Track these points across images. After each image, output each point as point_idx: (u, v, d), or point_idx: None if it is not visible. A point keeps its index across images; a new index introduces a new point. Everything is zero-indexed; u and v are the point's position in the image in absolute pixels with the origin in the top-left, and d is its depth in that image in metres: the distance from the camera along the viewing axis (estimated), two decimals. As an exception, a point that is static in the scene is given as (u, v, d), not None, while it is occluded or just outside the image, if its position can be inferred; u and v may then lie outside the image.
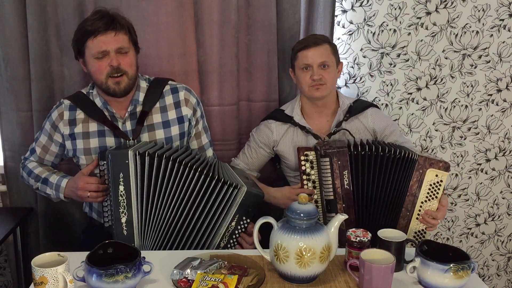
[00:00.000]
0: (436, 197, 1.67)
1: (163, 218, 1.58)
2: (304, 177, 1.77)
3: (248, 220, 1.62)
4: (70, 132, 1.76)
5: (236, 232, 1.62)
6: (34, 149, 1.84)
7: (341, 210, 1.69)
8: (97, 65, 1.65)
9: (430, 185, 1.66)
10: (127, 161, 1.52)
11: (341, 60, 1.98)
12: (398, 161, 1.68)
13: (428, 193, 1.66)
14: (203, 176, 1.57)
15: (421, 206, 1.67)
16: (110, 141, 1.75)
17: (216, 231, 1.61)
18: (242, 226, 1.62)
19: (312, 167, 1.76)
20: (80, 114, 1.76)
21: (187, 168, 1.56)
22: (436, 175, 1.65)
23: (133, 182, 1.53)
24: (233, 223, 1.60)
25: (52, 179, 1.76)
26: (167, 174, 1.56)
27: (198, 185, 1.57)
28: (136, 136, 1.75)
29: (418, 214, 1.68)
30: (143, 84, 1.80)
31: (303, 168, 1.77)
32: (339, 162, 1.68)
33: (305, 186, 1.77)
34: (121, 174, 1.52)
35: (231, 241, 1.63)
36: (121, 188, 1.53)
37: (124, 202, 1.54)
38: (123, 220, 1.55)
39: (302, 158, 1.77)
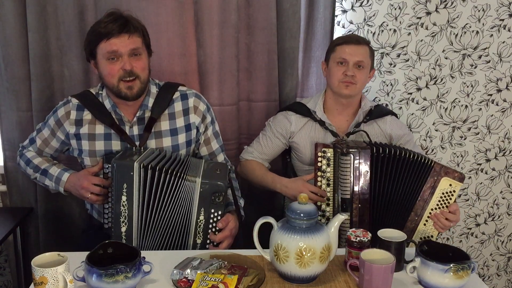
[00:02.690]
0: (447, 206, 1.65)
1: (158, 225, 1.58)
2: (319, 173, 1.74)
3: (220, 212, 1.59)
4: (76, 132, 1.75)
5: (210, 226, 1.59)
6: (34, 140, 1.83)
7: (356, 210, 1.67)
8: (109, 68, 1.63)
9: (443, 193, 1.65)
10: (132, 173, 1.51)
11: (374, 67, 1.97)
12: (413, 164, 1.68)
13: (439, 201, 1.65)
14: (178, 179, 1.55)
15: (430, 213, 1.66)
16: (116, 145, 1.74)
17: (189, 228, 1.59)
18: (215, 219, 1.59)
19: (328, 165, 1.73)
20: (87, 115, 1.75)
21: (177, 178, 1.55)
22: (450, 185, 1.64)
23: (135, 193, 1.52)
24: (201, 217, 1.57)
25: (53, 171, 1.75)
26: (165, 186, 1.55)
27: (177, 189, 1.55)
28: (143, 143, 1.73)
29: (426, 221, 1.67)
30: (153, 89, 1.78)
31: (319, 164, 1.74)
32: (361, 161, 1.67)
33: (319, 183, 1.74)
34: (125, 185, 1.51)
35: (208, 236, 1.60)
36: (124, 198, 1.52)
37: (126, 213, 1.53)
38: (123, 229, 1.54)
39: (320, 154, 1.74)
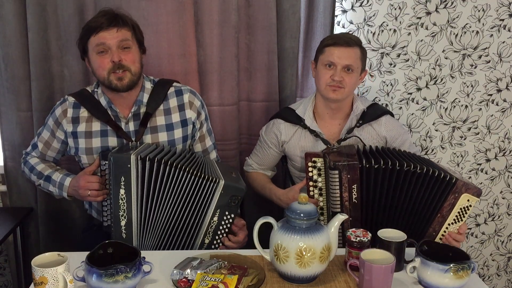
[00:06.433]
0: (462, 220, 1.61)
1: (159, 220, 1.58)
2: (311, 183, 1.70)
3: (232, 216, 1.60)
4: (73, 130, 1.76)
5: (221, 228, 1.60)
6: (36, 144, 1.84)
7: (347, 224, 1.61)
8: (99, 61, 1.65)
9: (460, 209, 1.60)
10: (129, 165, 1.51)
11: (366, 68, 1.89)
12: (426, 178, 1.60)
13: (456, 216, 1.61)
14: (189, 175, 1.56)
15: (446, 228, 1.61)
16: (113, 141, 1.75)
17: (200, 228, 1.60)
18: (226, 222, 1.60)
19: (319, 174, 1.69)
20: (84, 112, 1.76)
21: (185, 173, 1.56)
22: (468, 200, 1.59)
23: (134, 186, 1.53)
24: (215, 218, 1.59)
25: (55, 177, 1.76)
26: (164, 178, 1.55)
27: (185, 185, 1.57)
28: (139, 138, 1.74)
29: (442, 235, 1.62)
30: (148, 85, 1.79)
31: (310, 174, 1.70)
32: (348, 176, 1.59)
33: (311, 193, 1.71)
34: (122, 178, 1.52)
35: (216, 237, 1.61)
36: (122, 191, 1.53)
37: (125, 206, 1.54)
38: (123, 223, 1.55)
39: (310, 164, 1.70)
